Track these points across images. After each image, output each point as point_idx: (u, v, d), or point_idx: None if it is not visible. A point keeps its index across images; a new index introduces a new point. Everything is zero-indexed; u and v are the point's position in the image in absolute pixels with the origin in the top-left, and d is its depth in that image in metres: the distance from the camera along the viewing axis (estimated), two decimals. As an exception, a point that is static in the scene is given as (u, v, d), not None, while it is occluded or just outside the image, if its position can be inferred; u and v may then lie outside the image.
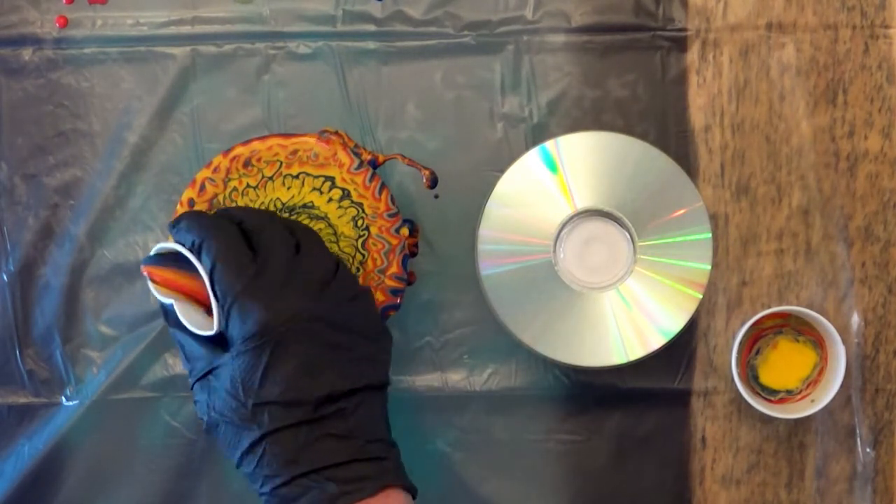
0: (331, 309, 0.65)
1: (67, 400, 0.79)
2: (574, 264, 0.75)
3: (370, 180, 0.75)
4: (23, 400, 0.80)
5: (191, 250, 0.66)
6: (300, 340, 0.63)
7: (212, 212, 0.72)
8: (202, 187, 0.74)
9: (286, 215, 0.74)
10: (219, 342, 0.66)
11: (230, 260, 0.64)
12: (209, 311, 0.67)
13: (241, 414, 0.63)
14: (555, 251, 0.75)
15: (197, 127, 0.79)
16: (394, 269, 0.75)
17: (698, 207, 0.75)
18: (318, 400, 0.63)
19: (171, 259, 0.68)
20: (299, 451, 0.62)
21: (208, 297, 0.65)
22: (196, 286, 0.67)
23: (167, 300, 0.67)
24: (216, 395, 0.64)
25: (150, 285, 0.67)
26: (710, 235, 0.75)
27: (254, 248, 0.66)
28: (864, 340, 0.78)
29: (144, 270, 0.67)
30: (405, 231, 0.75)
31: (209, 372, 0.64)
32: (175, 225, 0.67)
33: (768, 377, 0.78)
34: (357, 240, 0.75)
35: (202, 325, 0.66)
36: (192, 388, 0.66)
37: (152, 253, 0.69)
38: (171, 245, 0.67)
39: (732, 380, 0.77)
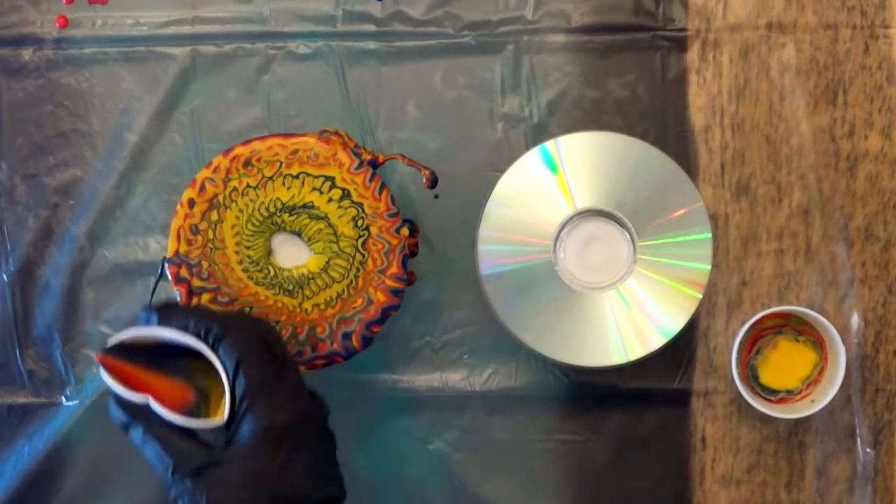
0: (324, 418, 0.67)
1: (67, 400, 0.79)
2: (574, 264, 0.75)
3: (370, 180, 0.75)
4: (23, 400, 0.80)
5: (199, 337, 0.65)
6: (310, 441, 0.65)
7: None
8: (202, 187, 0.74)
9: (286, 215, 0.75)
10: (192, 435, 0.65)
11: (260, 351, 0.65)
12: (173, 409, 0.65)
13: None
14: (555, 251, 0.75)
15: (197, 127, 0.79)
16: (394, 269, 0.75)
17: (698, 207, 0.75)
18: (318, 501, 0.64)
19: (131, 352, 0.66)
20: None
21: (170, 397, 0.65)
22: (164, 385, 0.66)
23: (137, 398, 0.65)
24: (221, 489, 0.63)
25: (110, 381, 0.65)
26: (710, 235, 0.75)
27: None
28: (864, 340, 0.78)
29: (102, 361, 0.65)
30: (405, 231, 0.75)
31: (208, 465, 0.63)
32: (163, 311, 0.67)
33: (768, 377, 0.78)
34: (357, 240, 0.75)
35: (177, 421, 0.65)
36: (170, 485, 0.64)
37: (113, 342, 0.66)
38: (168, 334, 0.66)
39: (732, 380, 0.77)
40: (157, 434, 0.64)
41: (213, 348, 0.65)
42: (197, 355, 0.66)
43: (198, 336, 0.65)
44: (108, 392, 0.66)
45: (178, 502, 0.63)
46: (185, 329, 0.66)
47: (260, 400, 0.64)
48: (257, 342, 0.66)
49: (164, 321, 0.66)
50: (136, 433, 0.65)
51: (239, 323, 0.67)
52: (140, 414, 0.65)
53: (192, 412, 0.66)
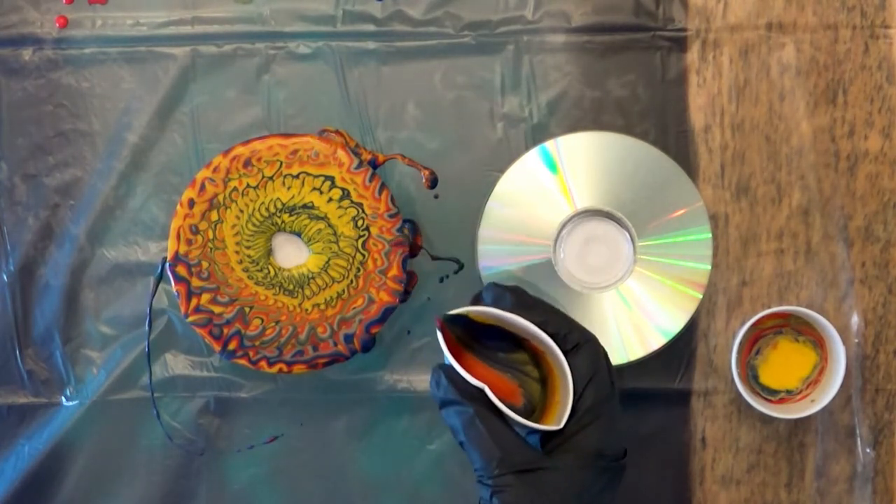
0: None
1: (67, 400, 0.79)
2: (574, 264, 0.75)
3: (370, 180, 0.75)
4: (23, 400, 0.80)
5: (553, 336, 0.64)
6: (621, 474, 0.63)
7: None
8: (202, 187, 0.74)
9: (286, 215, 0.75)
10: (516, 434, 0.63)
11: (608, 371, 0.64)
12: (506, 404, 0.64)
13: None
14: (555, 251, 0.75)
15: (197, 127, 0.79)
16: (394, 271, 0.75)
17: (698, 207, 0.75)
18: None
19: (458, 322, 0.65)
20: None
21: (500, 393, 0.63)
22: (496, 380, 0.66)
23: (474, 383, 0.63)
24: (543, 496, 0.61)
25: (449, 355, 0.64)
26: (710, 235, 0.75)
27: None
28: (864, 340, 0.78)
29: (441, 329, 0.64)
30: (406, 231, 0.75)
31: (536, 469, 0.62)
32: (518, 297, 0.65)
33: (768, 377, 0.78)
34: (357, 240, 0.75)
35: (514, 417, 0.63)
36: (490, 476, 0.62)
37: (456, 312, 0.66)
38: (523, 324, 0.64)
39: (732, 380, 0.77)
40: (488, 424, 0.62)
41: (565, 352, 0.64)
42: (514, 348, 0.66)
43: (553, 335, 0.64)
44: (441, 366, 0.64)
45: (495, 496, 0.62)
46: (542, 324, 0.64)
47: (601, 421, 0.62)
48: (606, 360, 0.65)
49: (520, 308, 0.65)
50: (461, 415, 0.63)
51: (593, 336, 0.65)
52: (472, 397, 0.63)
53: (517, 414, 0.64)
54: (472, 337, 0.68)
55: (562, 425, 0.62)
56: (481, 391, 0.63)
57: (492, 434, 0.62)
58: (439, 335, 0.64)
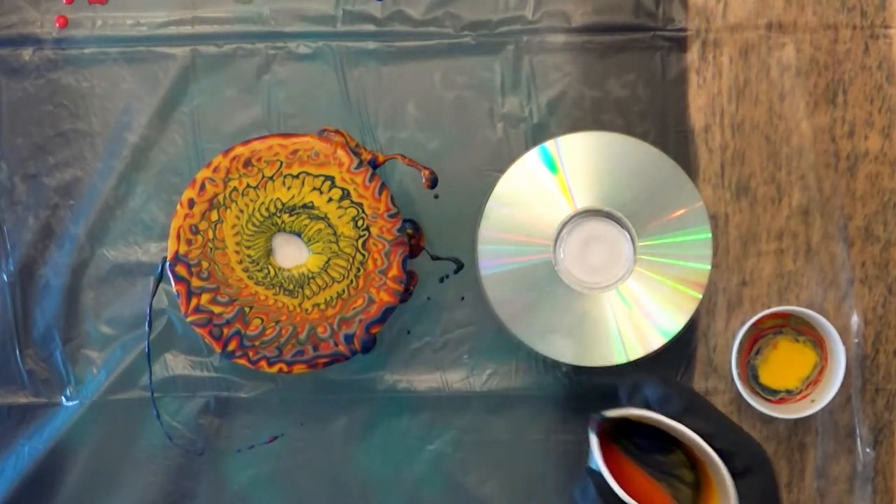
0: None
1: (67, 400, 0.79)
2: (574, 264, 0.75)
3: (370, 180, 0.75)
4: (23, 400, 0.80)
5: (717, 450, 0.59)
6: None
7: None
8: (202, 187, 0.74)
9: (286, 216, 0.74)
10: None
11: (778, 500, 0.60)
12: None
13: None
14: (555, 251, 0.75)
15: (197, 127, 0.79)
16: (394, 271, 0.75)
17: (698, 207, 0.75)
18: None
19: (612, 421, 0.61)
20: None
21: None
22: (649, 490, 0.61)
23: (631, 502, 0.58)
24: None
25: (601, 464, 0.58)
26: (710, 235, 0.75)
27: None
28: (864, 340, 0.78)
29: (598, 433, 0.59)
30: (409, 231, 0.75)
31: None
32: (690, 401, 0.60)
33: (768, 377, 0.78)
34: (357, 240, 0.75)
35: None
36: None
37: (616, 415, 0.60)
38: (691, 435, 0.59)
39: (732, 380, 0.77)
40: None
41: (732, 473, 0.59)
42: (669, 448, 0.62)
43: (719, 450, 0.59)
44: (590, 471, 0.60)
45: None
46: (709, 437, 0.59)
47: None
48: (774, 485, 0.60)
49: (690, 417, 0.60)
50: None
51: (766, 457, 0.60)
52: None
53: None
54: (622, 431, 0.63)
55: None
56: None
57: None
58: (593, 440, 0.59)
